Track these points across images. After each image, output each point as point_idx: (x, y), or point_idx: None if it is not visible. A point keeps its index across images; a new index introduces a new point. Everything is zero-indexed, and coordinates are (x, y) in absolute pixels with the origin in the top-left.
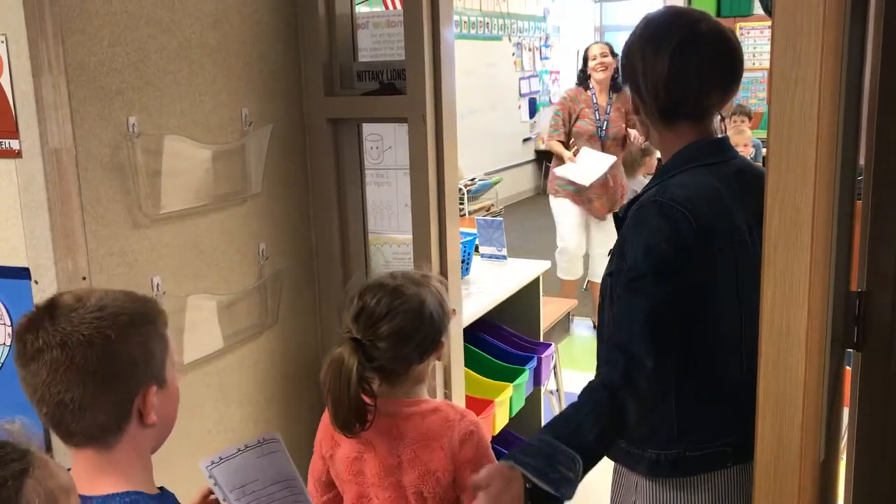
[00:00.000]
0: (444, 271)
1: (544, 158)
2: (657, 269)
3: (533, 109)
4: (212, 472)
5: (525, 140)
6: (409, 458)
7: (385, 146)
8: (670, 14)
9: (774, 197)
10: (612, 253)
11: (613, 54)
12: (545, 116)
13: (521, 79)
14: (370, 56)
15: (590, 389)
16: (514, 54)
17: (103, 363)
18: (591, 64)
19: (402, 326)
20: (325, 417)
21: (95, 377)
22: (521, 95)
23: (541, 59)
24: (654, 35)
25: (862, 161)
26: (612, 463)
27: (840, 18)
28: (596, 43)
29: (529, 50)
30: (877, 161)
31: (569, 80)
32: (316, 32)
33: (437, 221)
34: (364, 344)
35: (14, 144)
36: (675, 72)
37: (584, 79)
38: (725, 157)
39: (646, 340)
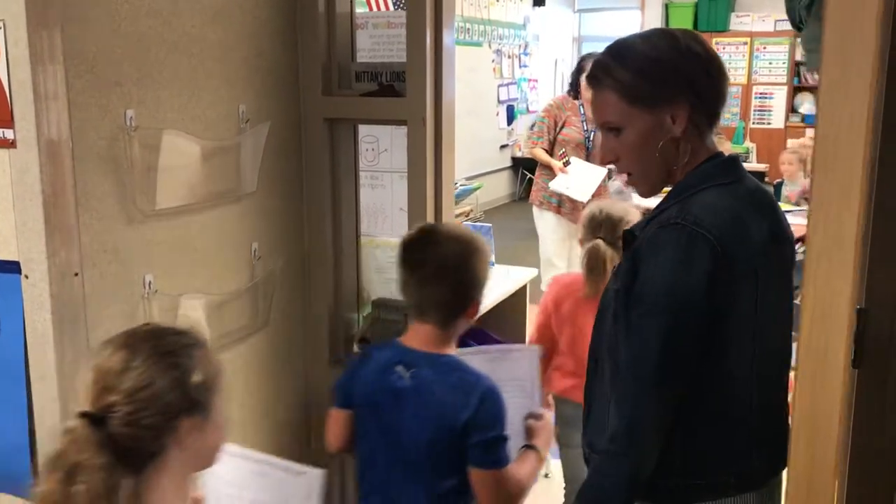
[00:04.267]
0: None
1: (521, 165)
2: (677, 297)
3: (511, 116)
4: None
5: (502, 147)
6: None
7: (381, 148)
8: (692, 32)
9: (818, 213)
10: (619, 269)
11: None
12: (522, 124)
13: (500, 85)
14: (368, 57)
15: (609, 459)
16: (493, 61)
17: None
18: (584, 80)
19: None
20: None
21: None
22: (500, 102)
23: (520, 66)
24: (706, 49)
25: None
26: None
27: (887, 32)
28: (594, 57)
29: (509, 57)
30: (879, 179)
31: (547, 89)
32: (315, 30)
33: None
34: None
35: (8, 134)
36: (726, 86)
37: (576, 87)
38: (739, 177)
39: (660, 382)
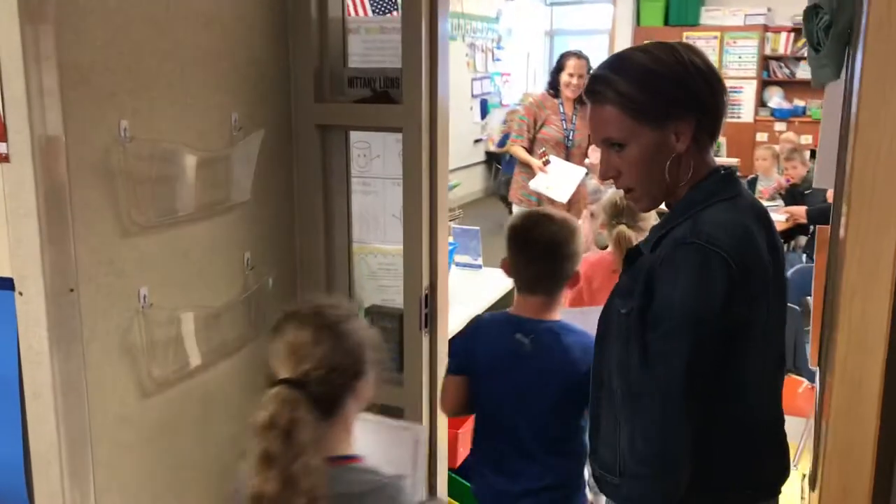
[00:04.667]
0: (434, 281)
1: (494, 160)
2: (699, 318)
3: (484, 111)
4: None
5: (476, 141)
6: None
7: (373, 154)
8: (690, 45)
9: (854, 247)
10: (626, 288)
11: (589, 69)
12: (496, 118)
13: (473, 80)
14: (360, 62)
15: (644, 482)
16: (467, 55)
17: None
18: (564, 78)
19: None
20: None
21: None
22: (474, 96)
23: (493, 60)
24: (707, 62)
25: None
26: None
27: None
28: (575, 56)
29: (483, 51)
30: None
31: (520, 83)
32: (308, 35)
33: (428, 232)
34: None
35: (1, 148)
36: (727, 100)
37: (556, 86)
38: (739, 191)
39: (686, 401)
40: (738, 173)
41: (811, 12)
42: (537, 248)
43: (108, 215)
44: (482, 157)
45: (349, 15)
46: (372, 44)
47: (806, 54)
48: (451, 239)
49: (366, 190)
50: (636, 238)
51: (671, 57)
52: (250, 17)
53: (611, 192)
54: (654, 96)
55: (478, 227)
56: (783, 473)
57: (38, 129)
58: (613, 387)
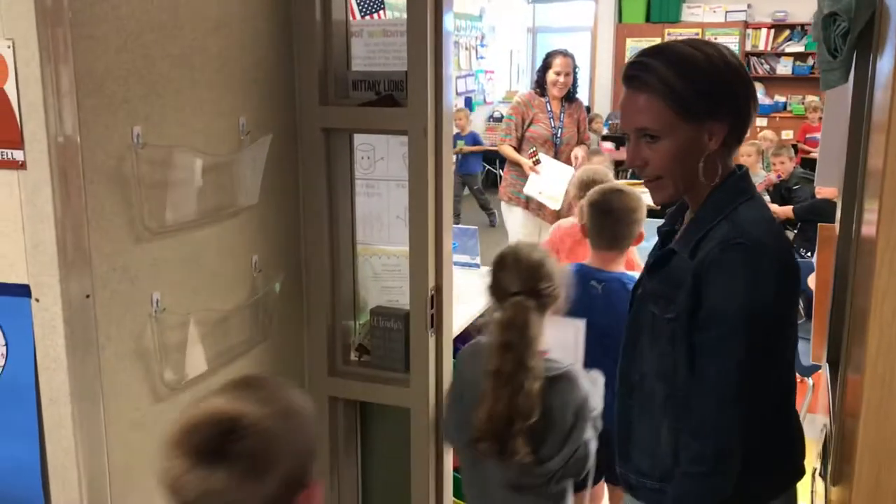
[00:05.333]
0: (439, 282)
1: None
2: (754, 317)
3: (469, 108)
4: None
5: None
6: None
7: (377, 156)
8: (728, 48)
9: (885, 249)
10: (661, 293)
11: (574, 68)
12: (480, 115)
13: (458, 77)
14: (364, 65)
15: (698, 480)
16: (452, 53)
17: None
18: (551, 77)
19: None
20: None
21: None
22: (458, 94)
23: (477, 58)
24: (744, 68)
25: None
26: None
27: None
28: (561, 54)
29: (466, 49)
30: None
31: (503, 80)
32: (312, 39)
33: (434, 234)
34: None
35: (18, 155)
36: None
37: (542, 84)
38: (754, 190)
39: (744, 398)
40: None
41: (828, 20)
42: (614, 216)
43: (121, 221)
44: None
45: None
46: (375, 47)
47: (816, 59)
48: None
49: (370, 192)
50: None
51: (720, 57)
52: (257, 20)
53: (579, 172)
54: (699, 92)
55: (476, 227)
56: (803, 457)
57: (55, 136)
58: (650, 391)
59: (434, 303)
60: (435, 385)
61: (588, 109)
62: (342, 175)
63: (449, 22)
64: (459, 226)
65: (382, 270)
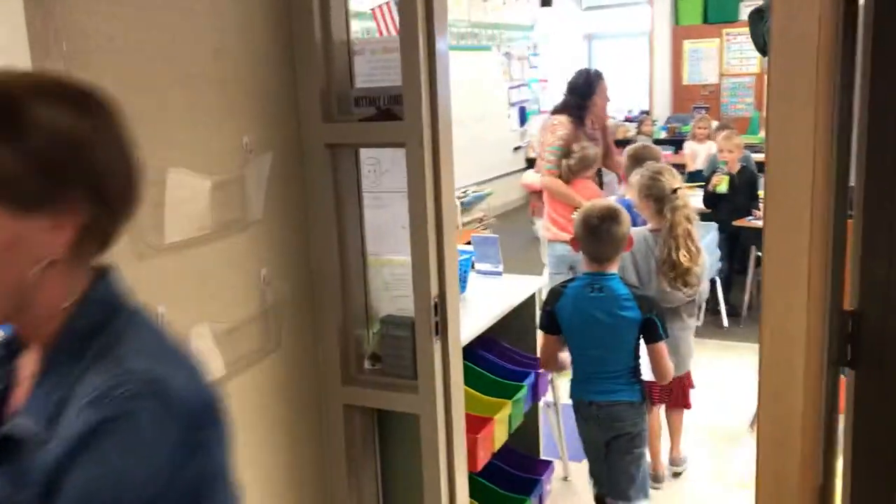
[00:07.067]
0: (442, 292)
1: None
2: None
3: (523, 118)
4: None
5: (516, 148)
6: None
7: (383, 169)
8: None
9: (772, 241)
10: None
11: None
12: (535, 124)
13: (510, 88)
14: (367, 82)
15: None
16: (502, 64)
17: None
18: (599, 102)
19: None
20: None
21: None
22: (511, 104)
23: (530, 67)
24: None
25: (852, 181)
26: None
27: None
28: (601, 77)
29: (518, 59)
30: (867, 182)
31: (558, 88)
32: (313, 59)
33: (435, 244)
34: None
35: None
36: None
37: (581, 115)
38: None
39: None
40: None
41: (755, 16)
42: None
43: (123, 239)
44: (522, 164)
45: (379, 35)
46: (377, 64)
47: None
48: (470, 247)
49: (377, 204)
50: None
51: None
52: (257, 43)
53: (629, 148)
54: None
55: (496, 236)
56: None
57: None
58: None
59: (438, 310)
60: (443, 391)
61: (647, 112)
62: (349, 188)
63: (442, 38)
64: (479, 235)
65: (393, 280)
